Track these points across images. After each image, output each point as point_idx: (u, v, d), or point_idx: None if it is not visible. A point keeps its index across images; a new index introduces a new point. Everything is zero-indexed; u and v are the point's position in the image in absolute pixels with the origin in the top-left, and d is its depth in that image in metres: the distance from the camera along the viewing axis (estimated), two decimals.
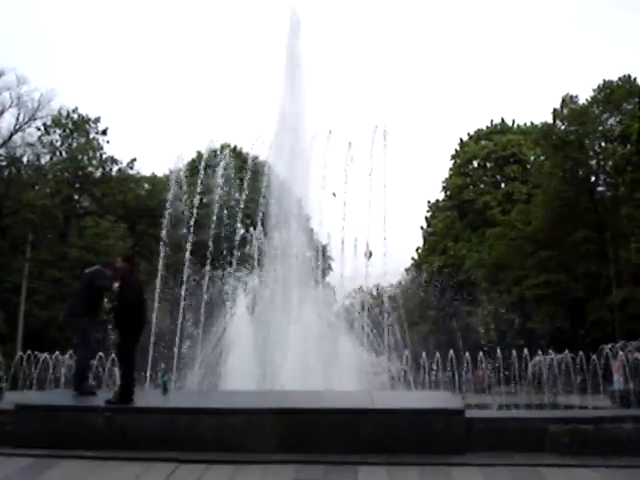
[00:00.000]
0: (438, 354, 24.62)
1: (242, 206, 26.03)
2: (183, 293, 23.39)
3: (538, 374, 24.28)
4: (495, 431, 10.60)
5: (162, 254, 25.05)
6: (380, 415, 10.84)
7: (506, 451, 10.15)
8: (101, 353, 19.02)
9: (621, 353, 23.03)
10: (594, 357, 22.24)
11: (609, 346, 22.77)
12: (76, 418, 10.90)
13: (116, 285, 12.26)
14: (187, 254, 24.15)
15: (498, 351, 24.87)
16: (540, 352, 24.47)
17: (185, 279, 23.94)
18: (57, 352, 23.96)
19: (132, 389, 11.78)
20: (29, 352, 24.87)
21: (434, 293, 26.80)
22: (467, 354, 25.39)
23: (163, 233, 25.66)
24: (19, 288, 44.64)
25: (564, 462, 9.76)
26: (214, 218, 25.13)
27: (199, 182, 26.56)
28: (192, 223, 24.85)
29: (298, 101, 23.66)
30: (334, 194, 23.19)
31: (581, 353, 22.42)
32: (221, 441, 10.37)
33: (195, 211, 25.17)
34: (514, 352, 24.08)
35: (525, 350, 24.10)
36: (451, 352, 24.71)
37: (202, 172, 27.14)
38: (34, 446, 10.16)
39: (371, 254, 25.96)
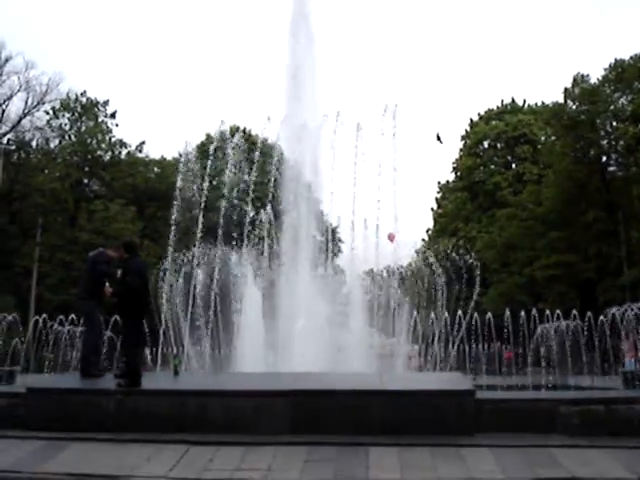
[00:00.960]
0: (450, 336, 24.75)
1: (252, 188, 26.01)
2: (194, 275, 23.46)
3: (545, 342, 24.23)
4: (506, 412, 10.58)
5: (172, 237, 25.09)
6: (390, 396, 10.83)
7: (517, 432, 10.13)
8: (111, 334, 19.03)
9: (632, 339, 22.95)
10: (602, 318, 22.10)
11: (615, 309, 22.56)
12: (88, 401, 10.95)
13: (119, 272, 12.32)
14: (197, 236, 24.19)
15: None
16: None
17: (196, 262, 24.00)
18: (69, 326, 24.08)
19: (139, 372, 11.82)
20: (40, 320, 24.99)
21: (445, 273, 26.76)
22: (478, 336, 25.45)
23: (173, 216, 25.67)
24: (30, 272, 44.88)
25: (575, 443, 9.74)
26: (224, 200, 25.15)
27: (209, 165, 26.55)
28: (202, 206, 24.85)
29: (307, 83, 23.53)
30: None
31: (589, 314, 22.36)
32: (232, 423, 10.39)
33: (205, 193, 25.17)
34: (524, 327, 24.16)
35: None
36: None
37: (212, 155, 27.11)
38: (46, 429, 10.21)
39: (394, 237, 26.01)
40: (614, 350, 24.07)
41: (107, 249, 13.74)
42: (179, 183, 25.99)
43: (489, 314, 25.20)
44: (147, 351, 24.57)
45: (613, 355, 23.76)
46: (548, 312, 23.93)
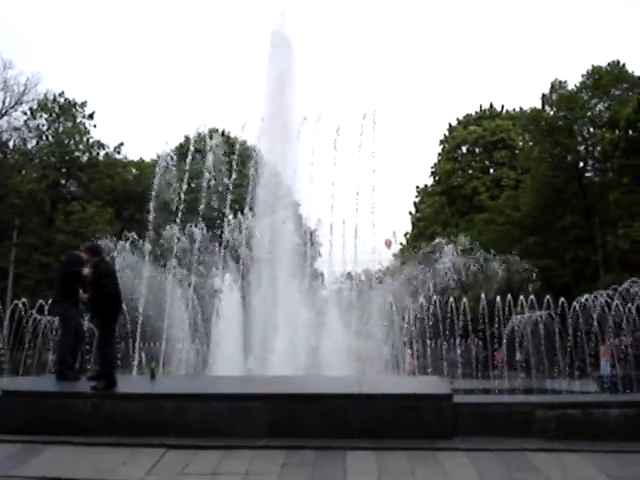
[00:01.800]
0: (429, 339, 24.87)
1: (231, 191, 25.92)
2: (171, 278, 23.32)
3: (517, 334, 24.40)
4: (483, 416, 10.63)
5: (149, 239, 24.92)
6: (368, 400, 10.83)
7: (494, 436, 10.18)
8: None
9: (608, 343, 23.12)
10: (576, 304, 22.26)
11: (586, 297, 22.72)
12: (63, 404, 10.84)
13: (86, 271, 12.25)
14: (175, 240, 24.05)
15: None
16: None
17: (173, 265, 23.87)
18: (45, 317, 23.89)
19: (114, 375, 11.73)
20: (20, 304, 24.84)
21: (423, 275, 26.92)
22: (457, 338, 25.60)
23: (151, 217, 25.50)
24: (6, 273, 44.46)
25: (551, 447, 9.81)
26: (202, 202, 25.03)
27: (187, 167, 26.42)
28: (180, 208, 24.72)
29: (286, 86, 23.52)
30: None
31: (562, 300, 22.54)
32: (209, 427, 10.35)
33: (183, 196, 25.02)
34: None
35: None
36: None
37: (190, 157, 26.98)
38: (20, 432, 10.10)
39: (391, 244, 26.19)
40: (592, 354, 24.24)
41: (80, 252, 13.64)
42: (156, 185, 25.81)
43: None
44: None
45: (591, 357, 23.93)
46: (522, 298, 24.09)
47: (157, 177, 26.62)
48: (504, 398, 15.52)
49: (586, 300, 22.29)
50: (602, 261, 43.95)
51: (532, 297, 24.12)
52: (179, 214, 24.40)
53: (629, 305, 21.24)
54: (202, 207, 24.99)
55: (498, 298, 25.18)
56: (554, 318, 22.56)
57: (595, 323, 21.93)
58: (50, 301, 20.46)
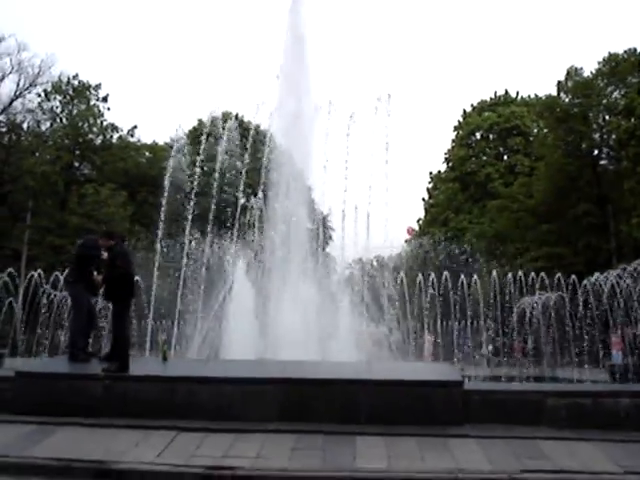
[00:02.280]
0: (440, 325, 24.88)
1: (243, 175, 25.95)
2: (184, 261, 23.40)
3: (526, 317, 24.30)
4: (493, 403, 10.63)
5: (161, 222, 24.98)
6: (379, 386, 10.86)
7: (504, 424, 10.18)
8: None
9: (620, 332, 23.01)
10: (586, 283, 22.13)
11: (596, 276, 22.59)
12: (76, 386, 10.93)
13: (105, 255, 12.32)
14: (188, 223, 24.11)
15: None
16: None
17: (186, 247, 23.94)
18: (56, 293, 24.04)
19: (128, 357, 11.78)
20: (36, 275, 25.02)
21: (435, 262, 26.93)
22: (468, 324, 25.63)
23: (163, 202, 25.54)
24: (19, 255, 44.65)
25: (562, 435, 9.81)
26: (215, 186, 25.07)
27: (201, 150, 26.46)
28: (193, 191, 24.76)
29: (300, 70, 23.45)
30: None
31: (573, 277, 22.41)
32: (220, 410, 10.40)
33: (196, 179, 25.07)
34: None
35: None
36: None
37: (204, 140, 27.00)
38: (34, 413, 10.20)
39: (413, 231, 26.24)
40: (603, 342, 24.19)
41: (102, 237, 13.74)
42: (170, 168, 25.86)
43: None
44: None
45: (602, 346, 23.86)
46: (533, 274, 23.96)
47: (171, 160, 26.66)
48: (515, 386, 15.53)
49: (596, 280, 22.18)
50: (615, 250, 43.70)
51: (542, 274, 23.93)
52: (192, 198, 24.46)
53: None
54: (215, 191, 25.02)
55: (510, 275, 25.02)
56: (565, 299, 22.41)
57: (606, 304, 21.76)
58: (63, 279, 20.64)
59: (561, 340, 23.25)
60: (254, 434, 9.65)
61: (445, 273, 25.56)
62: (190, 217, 23.84)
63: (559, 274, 23.60)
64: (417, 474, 8.18)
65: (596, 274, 22.70)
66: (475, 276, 25.90)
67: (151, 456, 8.63)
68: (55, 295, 24.43)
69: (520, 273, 24.43)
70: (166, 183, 25.18)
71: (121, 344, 11.85)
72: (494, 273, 26.00)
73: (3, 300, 25.02)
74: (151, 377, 11.52)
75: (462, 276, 25.94)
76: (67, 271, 14.86)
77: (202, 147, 26.61)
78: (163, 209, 25.10)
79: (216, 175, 25.97)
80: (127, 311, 12.34)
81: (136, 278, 13.58)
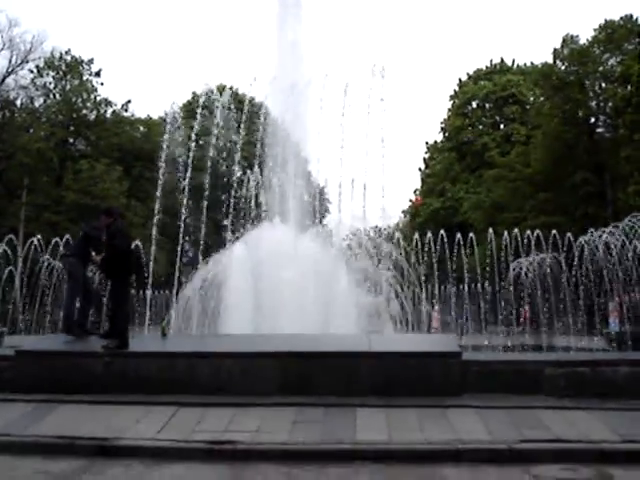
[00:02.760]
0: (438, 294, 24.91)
1: (239, 148, 25.81)
2: (181, 236, 23.35)
3: (520, 278, 24.24)
4: (492, 373, 10.70)
5: (158, 196, 24.89)
6: (378, 358, 10.90)
7: (503, 393, 10.25)
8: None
9: (617, 299, 22.93)
10: (581, 240, 22.05)
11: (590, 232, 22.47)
12: (76, 363, 11.00)
13: (104, 237, 12.33)
14: (185, 197, 24.01)
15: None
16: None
17: (182, 222, 23.87)
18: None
19: (127, 333, 11.80)
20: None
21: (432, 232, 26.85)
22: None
23: (160, 174, 25.42)
24: (16, 232, 44.59)
25: (560, 404, 9.88)
26: (210, 160, 24.94)
27: (195, 124, 26.29)
28: (189, 165, 24.64)
29: (295, 42, 23.28)
30: None
31: (568, 235, 22.32)
32: (220, 384, 10.47)
33: (192, 153, 24.92)
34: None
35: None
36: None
37: (199, 114, 26.82)
38: (34, 391, 10.26)
39: (420, 201, 26.12)
40: (600, 309, 24.16)
41: (103, 213, 13.79)
42: (165, 142, 25.72)
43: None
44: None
45: (599, 313, 23.83)
46: (528, 232, 23.82)
47: (166, 135, 26.51)
48: (513, 356, 15.59)
49: (591, 237, 22.07)
50: (612, 218, 43.62)
51: (538, 232, 23.80)
52: (188, 172, 24.34)
53: (634, 242, 21.07)
54: (210, 164, 24.90)
55: (505, 233, 24.91)
56: (560, 262, 22.32)
57: (602, 266, 21.61)
58: (59, 255, 20.61)
59: (558, 306, 23.18)
60: (254, 408, 9.71)
61: (442, 232, 25.43)
62: (187, 191, 23.73)
63: (554, 231, 23.43)
64: (418, 445, 8.24)
65: (590, 231, 22.57)
66: (472, 235, 25.71)
67: (152, 432, 8.69)
68: (54, 267, 24.33)
69: (516, 231, 24.25)
70: (162, 157, 25.07)
71: (120, 321, 11.85)
72: (490, 232, 25.88)
73: (3, 269, 24.93)
74: (151, 353, 11.59)
75: (459, 236, 25.80)
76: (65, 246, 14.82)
77: (196, 121, 26.44)
78: (160, 182, 24.98)
79: (211, 149, 25.83)
80: (125, 288, 12.33)
81: (139, 251, 13.52)
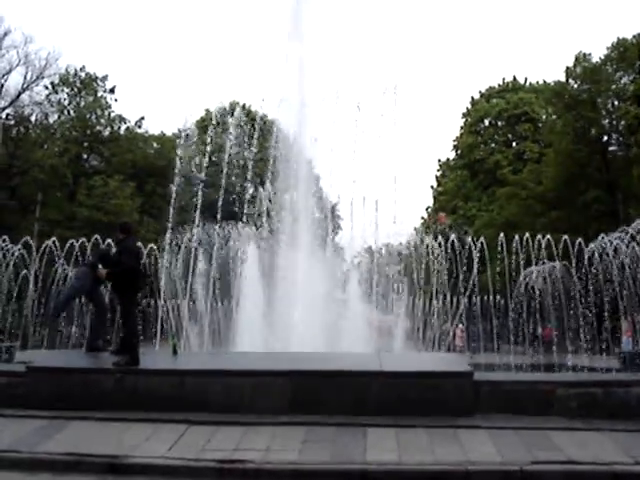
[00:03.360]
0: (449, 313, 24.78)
1: (251, 164, 25.93)
2: (193, 252, 23.44)
3: (530, 288, 24.00)
4: (503, 394, 10.64)
5: (172, 212, 24.99)
6: (388, 378, 10.86)
7: (514, 414, 10.19)
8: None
9: (630, 318, 22.73)
10: (592, 246, 21.80)
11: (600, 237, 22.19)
12: (87, 379, 10.98)
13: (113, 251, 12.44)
14: (197, 212, 24.13)
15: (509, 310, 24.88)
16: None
17: (196, 238, 23.97)
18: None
19: (138, 350, 11.81)
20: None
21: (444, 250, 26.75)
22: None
23: (173, 192, 25.54)
24: (29, 248, 44.79)
25: (572, 425, 9.80)
26: (224, 176, 25.07)
27: (208, 141, 26.46)
28: (202, 181, 24.77)
29: (305, 59, 23.40)
30: None
31: (580, 241, 21.97)
32: (231, 403, 10.44)
33: (205, 170, 25.06)
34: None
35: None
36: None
37: (211, 131, 27.00)
38: (45, 408, 10.25)
39: (444, 218, 25.99)
40: (613, 329, 23.96)
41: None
42: (179, 159, 25.90)
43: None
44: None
45: (611, 332, 23.61)
46: (539, 237, 23.55)
47: (179, 151, 26.70)
48: (525, 376, 15.51)
49: (602, 238, 21.84)
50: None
51: (549, 237, 23.59)
52: (200, 188, 24.49)
53: None
54: (223, 181, 25.02)
55: (516, 237, 24.67)
56: (570, 269, 22.07)
57: (615, 283, 21.33)
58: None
59: (570, 325, 22.97)
60: (265, 427, 9.68)
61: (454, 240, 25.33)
62: (199, 207, 23.84)
63: (566, 237, 23.19)
64: (428, 466, 8.19)
65: (601, 235, 22.35)
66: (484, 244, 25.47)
67: (162, 450, 8.67)
68: (68, 274, 24.33)
69: (527, 235, 24.04)
70: (176, 173, 25.22)
71: (130, 338, 11.88)
72: (501, 237, 25.65)
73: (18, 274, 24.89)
74: (161, 370, 11.60)
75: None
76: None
77: (209, 137, 26.62)
78: (173, 198, 25.09)
79: (224, 165, 25.96)
80: (133, 306, 12.38)
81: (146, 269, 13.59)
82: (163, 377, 11.09)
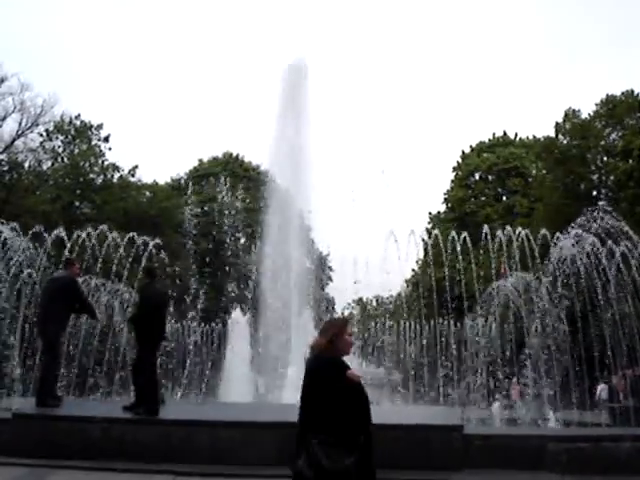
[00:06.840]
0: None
1: (242, 216, 26.04)
2: (184, 306, 23.41)
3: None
4: (494, 448, 10.53)
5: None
6: (378, 430, 10.68)
7: (505, 468, 10.08)
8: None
9: (621, 373, 22.69)
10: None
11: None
12: (73, 428, 10.84)
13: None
14: (192, 265, 24.12)
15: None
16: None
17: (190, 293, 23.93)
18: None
19: (157, 401, 11.65)
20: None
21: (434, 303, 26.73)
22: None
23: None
24: (20, 294, 44.55)
25: None
26: (214, 228, 25.19)
27: (199, 190, 26.63)
28: (193, 232, 24.82)
29: (299, 114, 23.71)
30: None
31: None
32: (218, 454, 10.32)
33: (196, 220, 25.14)
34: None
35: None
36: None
37: (204, 181, 27.19)
38: (30, 455, 10.10)
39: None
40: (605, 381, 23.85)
41: (70, 267, 13.22)
42: (170, 210, 26.01)
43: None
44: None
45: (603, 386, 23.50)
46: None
47: (171, 201, 26.79)
48: (515, 430, 15.37)
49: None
50: (614, 291, 43.62)
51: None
52: (192, 239, 24.53)
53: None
54: (215, 232, 25.14)
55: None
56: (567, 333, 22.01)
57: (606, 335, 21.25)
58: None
59: (562, 379, 22.83)
60: (252, 479, 9.56)
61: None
62: (192, 260, 23.90)
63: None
64: None
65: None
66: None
67: None
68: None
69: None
70: (164, 224, 25.26)
71: (149, 388, 11.70)
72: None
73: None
74: (149, 420, 11.45)
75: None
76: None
77: (202, 187, 26.81)
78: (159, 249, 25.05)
79: (216, 215, 26.10)
80: (154, 356, 12.11)
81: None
82: (150, 427, 10.97)
